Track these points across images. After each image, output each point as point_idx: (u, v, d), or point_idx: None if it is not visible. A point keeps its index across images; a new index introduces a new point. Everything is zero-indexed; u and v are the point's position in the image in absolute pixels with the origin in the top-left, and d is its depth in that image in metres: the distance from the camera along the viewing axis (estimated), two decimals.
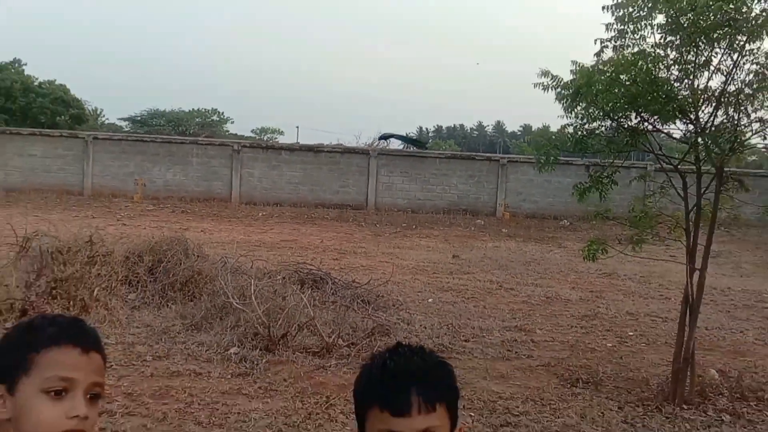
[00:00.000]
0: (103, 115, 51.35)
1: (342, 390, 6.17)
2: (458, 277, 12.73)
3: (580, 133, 6.36)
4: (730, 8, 5.75)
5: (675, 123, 6.48)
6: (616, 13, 6.12)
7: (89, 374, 1.52)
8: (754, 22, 5.77)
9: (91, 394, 1.52)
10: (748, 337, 9.27)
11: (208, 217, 21.12)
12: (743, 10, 5.81)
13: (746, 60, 6.03)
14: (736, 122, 6.30)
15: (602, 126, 6.47)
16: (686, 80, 6.25)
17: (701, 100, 6.24)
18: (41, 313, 1.66)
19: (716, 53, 6.07)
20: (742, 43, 5.93)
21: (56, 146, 25.38)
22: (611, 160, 6.90)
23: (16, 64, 40.67)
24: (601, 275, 13.36)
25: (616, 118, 6.35)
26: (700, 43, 5.98)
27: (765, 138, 6.26)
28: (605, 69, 6.01)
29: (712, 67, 6.10)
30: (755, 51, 6.00)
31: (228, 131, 54.71)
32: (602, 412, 6.04)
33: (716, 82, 6.24)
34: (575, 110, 6.22)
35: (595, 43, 6.34)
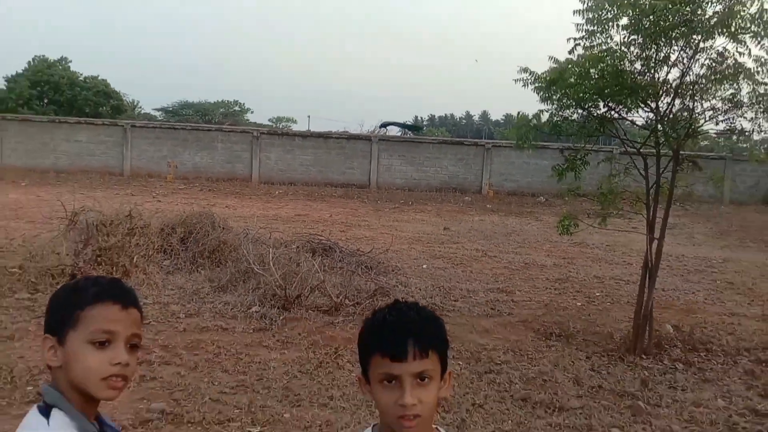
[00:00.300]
0: (140, 106, 50.97)
1: (349, 343, 6.20)
2: (448, 247, 12.74)
3: (555, 118, 6.33)
4: (687, 10, 5.69)
5: (638, 111, 6.45)
6: (586, 15, 6.06)
7: (129, 327, 1.53)
8: (707, 22, 5.71)
9: (131, 345, 1.53)
10: (699, 297, 9.30)
11: (232, 194, 21.07)
12: (698, 12, 5.75)
13: (701, 56, 5.99)
14: (691, 111, 6.27)
15: (574, 114, 6.44)
16: (648, 74, 6.20)
17: (661, 92, 6.20)
18: (84, 275, 1.65)
19: (674, 50, 6.02)
20: (697, 41, 5.88)
21: (99, 133, 25.25)
22: (583, 145, 6.88)
23: (63, 62, 40.29)
24: (572, 244, 13.36)
25: (586, 107, 6.32)
26: (660, 42, 5.93)
27: (717, 124, 6.22)
28: (577, 63, 5.97)
29: (670, 63, 6.06)
30: (708, 48, 5.96)
31: (248, 120, 54.36)
32: (572, 362, 6.08)
33: (674, 75, 6.21)
34: (551, 99, 6.18)
35: (568, 42, 6.30)
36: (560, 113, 6.33)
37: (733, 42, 5.71)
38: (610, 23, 5.99)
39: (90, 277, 1.59)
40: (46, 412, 1.46)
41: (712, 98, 6.07)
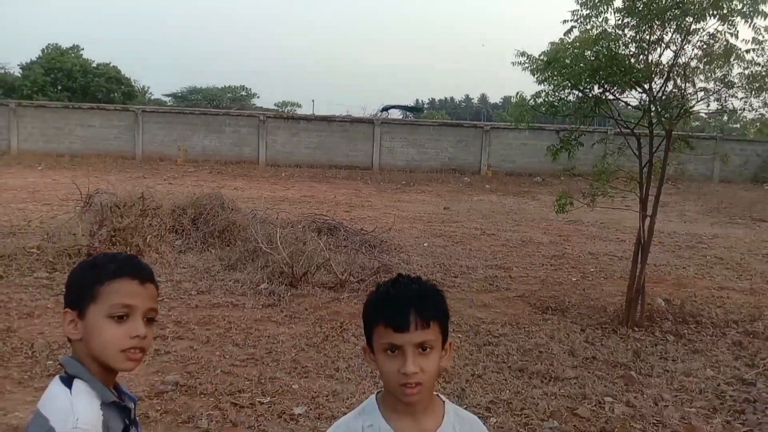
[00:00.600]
0: (150, 92, 50.70)
1: (353, 317, 6.23)
2: (449, 226, 12.74)
3: (551, 98, 6.28)
4: None
5: (631, 93, 6.40)
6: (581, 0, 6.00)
7: (146, 301, 1.54)
8: (699, 5, 5.65)
9: (148, 318, 1.55)
10: (689, 272, 9.31)
11: (240, 177, 21.06)
12: None
13: (693, 38, 5.92)
14: (683, 92, 6.22)
15: (570, 95, 6.39)
16: (641, 56, 6.15)
17: (654, 73, 6.15)
18: (102, 252, 1.66)
19: (667, 32, 5.96)
20: (689, 23, 5.82)
21: (111, 118, 25.18)
22: (578, 126, 6.84)
23: (75, 49, 40.07)
24: (567, 222, 13.35)
25: (581, 88, 6.27)
26: (654, 24, 5.86)
27: (708, 105, 6.18)
28: (572, 45, 5.91)
29: (663, 45, 6.00)
30: (700, 31, 5.90)
31: (254, 104, 54.09)
32: (568, 334, 6.10)
33: (667, 57, 6.15)
34: (547, 81, 6.13)
35: (564, 24, 6.24)
36: (556, 94, 6.28)
37: (724, 24, 5.65)
38: (605, 6, 5.92)
39: (108, 254, 1.61)
40: (68, 382, 1.48)
41: (704, 79, 6.02)
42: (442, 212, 14.83)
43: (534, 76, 6.14)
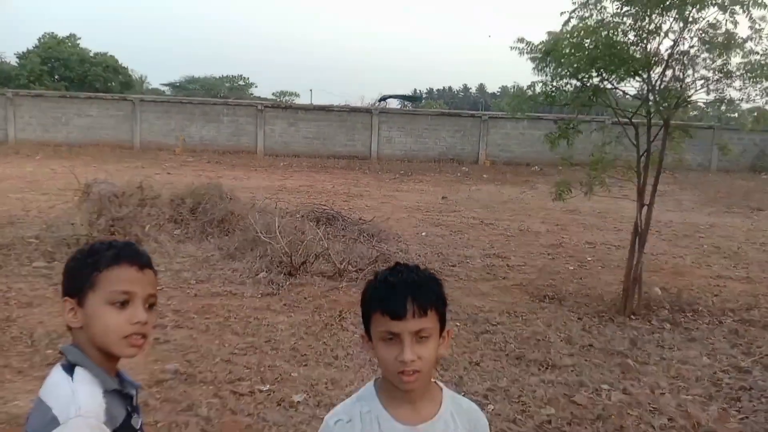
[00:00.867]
0: (148, 81, 50.52)
1: (352, 306, 6.24)
2: (447, 215, 12.75)
3: (549, 88, 6.27)
4: None
5: (630, 82, 6.39)
6: None
7: (146, 287, 1.54)
8: None
9: (149, 304, 1.55)
10: (686, 261, 9.34)
11: (238, 166, 21.03)
12: None
13: (692, 26, 5.90)
14: (682, 81, 6.20)
15: (568, 84, 6.37)
16: (640, 45, 6.13)
17: (653, 62, 6.13)
18: (98, 240, 1.65)
19: (666, 21, 5.94)
20: (690, 12, 5.79)
21: (109, 108, 25.11)
22: (575, 115, 6.83)
23: (72, 39, 39.85)
24: (565, 212, 13.37)
25: (580, 77, 6.26)
26: (654, 13, 5.84)
27: (708, 94, 6.16)
28: (571, 34, 5.89)
29: (662, 33, 5.98)
30: (700, 20, 5.87)
31: (252, 94, 53.91)
32: (565, 322, 6.12)
33: (666, 46, 6.13)
34: (545, 70, 6.12)
35: (561, 15, 6.21)
36: (554, 83, 6.26)
37: (725, 13, 5.63)
38: None
39: (104, 241, 1.59)
40: (69, 369, 1.48)
41: (703, 68, 6.00)
42: (440, 202, 14.84)
43: (533, 63, 6.12)
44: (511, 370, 4.89)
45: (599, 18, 5.97)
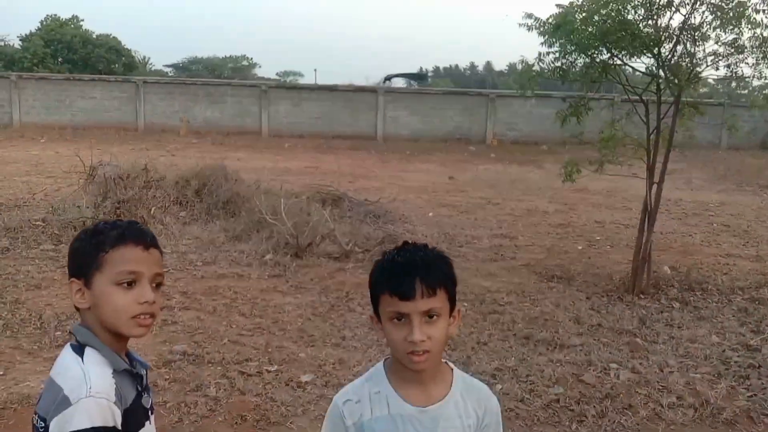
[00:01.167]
0: (151, 63, 50.29)
1: (359, 287, 6.26)
2: (454, 195, 12.72)
3: (559, 63, 6.21)
4: None
5: (640, 57, 6.32)
6: None
7: (152, 266, 1.54)
8: None
9: (156, 284, 1.55)
10: (695, 239, 9.31)
11: (243, 148, 20.98)
12: None
13: (703, 1, 5.81)
14: (692, 56, 6.13)
15: (577, 60, 6.31)
16: (650, 20, 6.05)
17: (663, 37, 6.06)
18: (102, 220, 1.65)
19: None
20: None
21: (113, 90, 25.06)
22: (585, 92, 6.77)
23: (75, 20, 39.69)
24: (573, 191, 13.27)
25: (589, 53, 6.19)
26: None
27: (717, 69, 6.09)
28: (581, 8, 5.82)
29: (673, 8, 5.90)
30: None
31: (256, 74, 53.67)
32: (573, 302, 6.13)
33: (676, 21, 6.05)
34: (555, 45, 6.06)
35: None
36: (565, 59, 6.20)
37: None
38: None
39: (108, 222, 1.59)
40: (79, 350, 1.49)
41: (714, 43, 5.92)
42: (447, 182, 14.80)
43: (543, 38, 6.05)
44: (519, 349, 4.91)
45: None
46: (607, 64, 6.26)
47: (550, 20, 6.02)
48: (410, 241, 1.61)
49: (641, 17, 6.02)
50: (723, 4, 5.66)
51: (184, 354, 4.55)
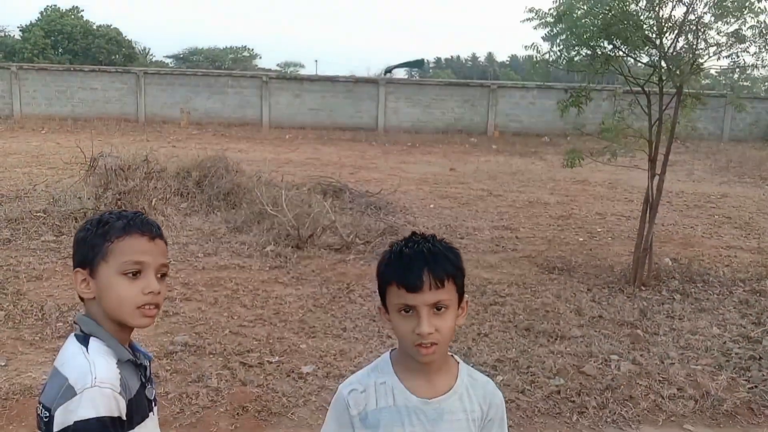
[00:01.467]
0: (151, 54, 50.22)
1: (360, 279, 6.27)
2: (455, 187, 12.70)
3: (563, 55, 6.19)
4: None
5: (642, 49, 6.29)
6: None
7: (157, 257, 1.54)
8: None
9: (160, 274, 1.55)
10: (697, 231, 9.30)
11: (243, 139, 20.95)
12: None
13: None
14: (694, 47, 6.11)
15: (579, 54, 6.28)
16: (653, 11, 6.02)
17: (665, 29, 6.03)
18: (107, 210, 1.65)
19: None
20: None
21: (113, 81, 25.00)
22: (586, 83, 6.75)
23: (75, 11, 39.58)
24: (575, 182, 13.30)
25: (591, 45, 6.16)
26: None
27: (718, 59, 6.07)
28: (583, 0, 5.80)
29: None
30: None
31: (257, 65, 53.61)
32: (574, 293, 6.13)
33: (679, 12, 6.02)
34: (557, 39, 6.03)
35: None
36: (567, 52, 6.18)
37: None
38: None
39: (113, 212, 1.59)
40: (84, 340, 1.49)
41: (716, 34, 5.90)
42: (448, 173, 14.78)
43: (544, 30, 6.03)
44: (520, 341, 4.92)
45: None
46: (609, 56, 6.24)
47: (551, 11, 5.99)
48: (418, 232, 1.59)
49: (643, 8, 5.99)
50: None
51: (186, 345, 4.56)
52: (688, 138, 18.87)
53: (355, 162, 16.21)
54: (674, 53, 6.12)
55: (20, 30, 37.45)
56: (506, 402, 1.65)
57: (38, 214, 7.86)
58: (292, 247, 7.17)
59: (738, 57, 5.98)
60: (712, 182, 14.61)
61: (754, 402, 4.09)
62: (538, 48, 6.32)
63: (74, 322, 1.57)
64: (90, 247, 1.52)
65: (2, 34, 37.91)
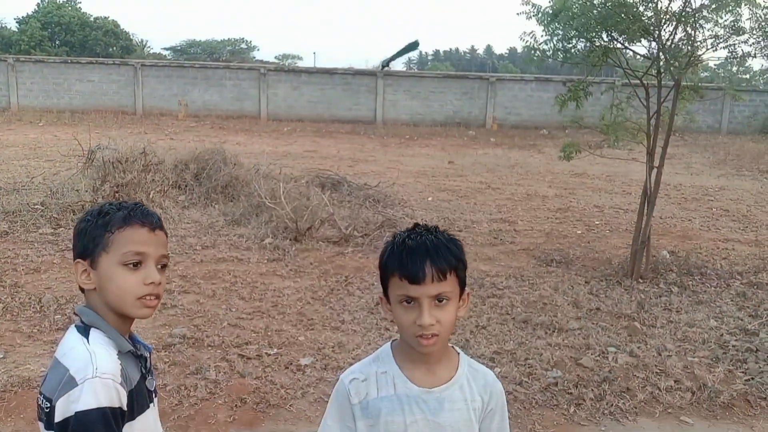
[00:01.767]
0: (149, 46, 50.04)
1: (358, 271, 6.28)
2: (453, 180, 12.70)
3: (563, 45, 6.17)
4: None
5: (640, 41, 6.28)
6: None
7: (158, 248, 1.55)
8: None
9: (161, 265, 1.56)
10: (695, 224, 9.31)
11: (241, 131, 20.91)
12: None
13: None
14: (692, 39, 6.09)
15: (577, 46, 6.27)
16: (651, 3, 6.00)
17: (663, 21, 6.02)
18: (107, 202, 1.65)
19: None
20: None
21: (110, 73, 24.90)
22: (585, 76, 6.74)
23: (72, 2, 39.39)
24: (573, 175, 13.30)
25: (589, 37, 6.15)
26: None
27: (715, 51, 6.06)
28: None
29: None
30: None
31: (254, 57, 53.46)
32: (572, 286, 6.14)
33: (677, 4, 6.01)
34: (554, 33, 6.02)
35: None
36: (564, 44, 6.16)
37: None
38: None
39: (113, 203, 1.59)
40: (84, 331, 1.49)
41: (714, 26, 5.88)
42: (447, 166, 14.77)
43: (541, 26, 6.02)
44: (518, 333, 4.93)
45: None
46: (607, 48, 6.22)
47: (548, 8, 5.96)
48: (421, 224, 1.60)
49: (641, 0, 5.97)
50: None
51: (184, 337, 4.56)
52: (687, 131, 18.90)
53: (354, 155, 16.19)
54: (672, 45, 6.11)
55: (17, 22, 37.30)
56: (504, 394, 1.66)
57: (36, 207, 7.84)
58: (291, 239, 7.17)
59: (736, 48, 5.97)
60: (710, 175, 14.62)
61: (750, 394, 4.11)
62: (535, 37, 6.30)
63: (74, 313, 1.58)
64: (91, 238, 1.52)
65: None
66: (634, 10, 5.87)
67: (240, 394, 3.83)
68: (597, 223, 9.16)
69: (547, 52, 6.20)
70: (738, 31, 5.82)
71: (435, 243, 1.49)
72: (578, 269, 6.73)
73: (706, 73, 7.39)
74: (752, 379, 4.30)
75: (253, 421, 3.62)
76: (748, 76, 7.20)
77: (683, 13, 5.92)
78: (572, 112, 6.73)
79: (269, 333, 4.74)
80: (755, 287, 6.29)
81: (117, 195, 7.80)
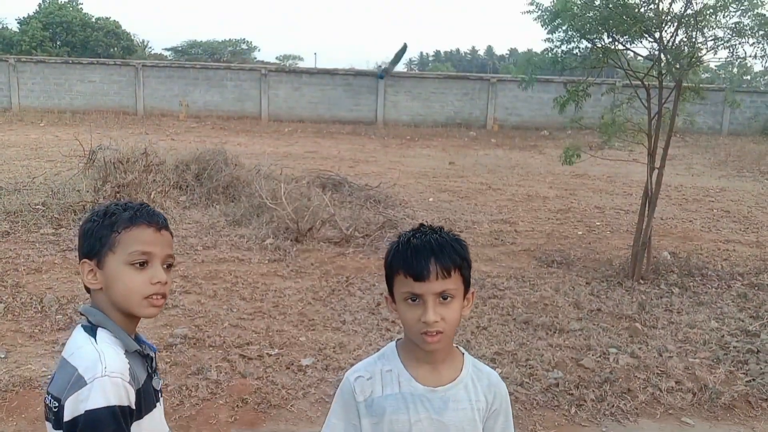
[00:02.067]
0: (150, 46, 50.07)
1: (359, 272, 6.28)
2: (454, 180, 12.70)
3: (558, 51, 6.18)
4: None
5: (641, 42, 6.28)
6: None
7: (164, 248, 1.56)
8: None
9: (167, 264, 1.57)
10: (696, 225, 9.31)
11: (242, 132, 20.91)
12: None
13: None
14: (694, 41, 6.09)
15: (578, 46, 6.27)
16: (652, 4, 6.01)
17: (664, 22, 6.02)
18: (112, 201, 1.66)
19: None
20: None
21: (112, 73, 24.91)
22: (585, 77, 6.74)
23: (74, 3, 39.41)
24: (574, 176, 13.29)
25: (590, 38, 6.15)
26: None
27: (715, 53, 6.06)
28: None
29: None
30: None
31: (255, 58, 53.44)
32: (573, 287, 6.14)
33: (678, 5, 6.01)
34: (556, 33, 6.02)
35: None
36: (562, 48, 6.17)
37: None
38: None
39: (119, 203, 1.61)
40: (91, 331, 1.50)
41: (716, 27, 5.88)
42: (448, 167, 14.76)
43: (543, 26, 6.02)
44: (519, 334, 4.93)
45: None
46: (608, 49, 6.22)
47: (549, 8, 5.97)
48: (426, 224, 1.62)
49: (642, 1, 5.97)
50: None
51: (185, 337, 4.56)
52: (687, 132, 18.89)
53: (355, 155, 16.19)
54: (673, 46, 6.11)
55: (18, 22, 37.33)
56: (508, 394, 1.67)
57: (37, 207, 7.85)
58: (292, 240, 7.17)
59: (736, 50, 5.96)
60: (710, 176, 14.61)
61: (751, 395, 4.11)
62: (532, 52, 6.32)
63: (79, 313, 1.59)
64: (97, 238, 1.53)
65: (0, 26, 37.77)
66: (635, 11, 5.87)
67: (241, 394, 3.83)
68: (598, 224, 9.15)
69: (546, 62, 6.20)
70: (739, 32, 5.81)
71: (440, 242, 1.52)
72: (579, 270, 6.72)
73: (707, 75, 7.38)
74: (753, 380, 4.30)
75: (255, 421, 3.63)
76: (749, 77, 7.18)
77: (684, 15, 5.92)
78: (573, 113, 6.73)
79: (270, 333, 4.74)
80: (756, 288, 6.29)
81: (118, 195, 7.80)
